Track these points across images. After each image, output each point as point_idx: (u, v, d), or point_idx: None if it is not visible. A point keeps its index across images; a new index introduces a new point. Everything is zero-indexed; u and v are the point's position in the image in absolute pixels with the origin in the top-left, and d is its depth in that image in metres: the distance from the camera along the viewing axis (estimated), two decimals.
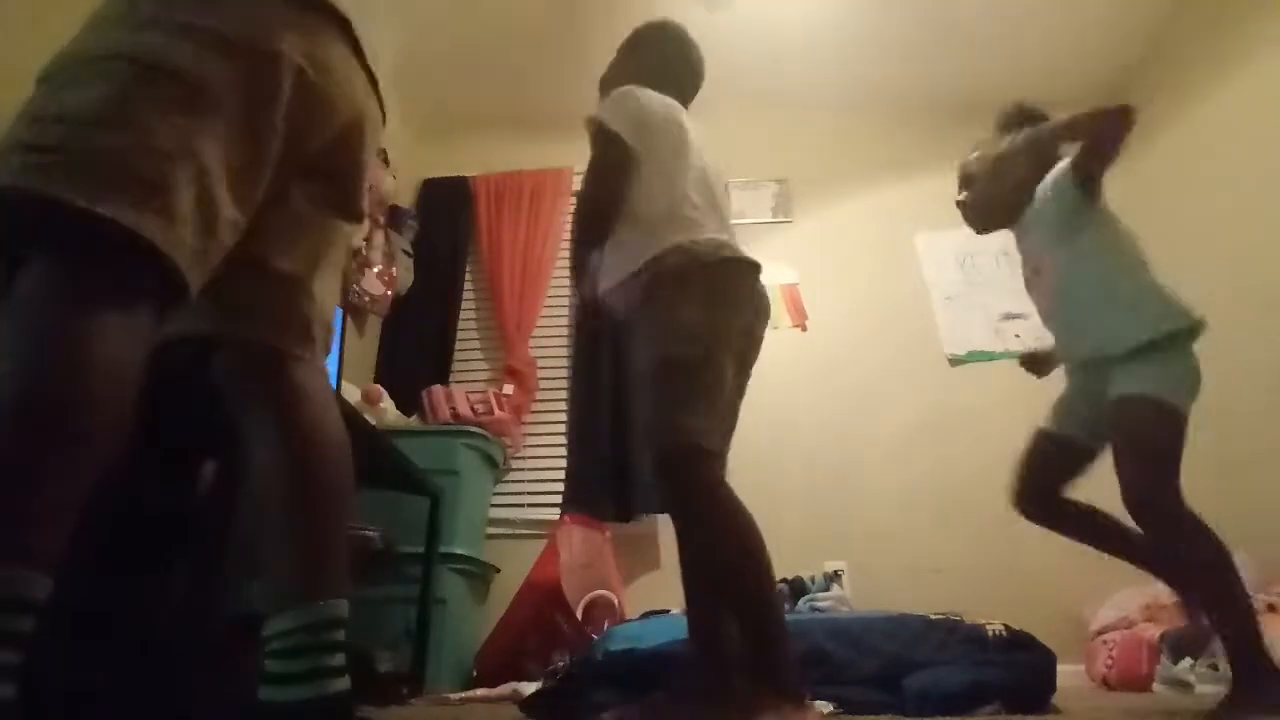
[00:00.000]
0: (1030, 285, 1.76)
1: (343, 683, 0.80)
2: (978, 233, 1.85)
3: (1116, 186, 3.73)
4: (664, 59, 1.55)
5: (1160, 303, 1.61)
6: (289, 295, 0.87)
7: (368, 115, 0.91)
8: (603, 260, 1.33)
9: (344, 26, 0.83)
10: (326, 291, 0.93)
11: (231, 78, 0.70)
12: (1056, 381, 3.26)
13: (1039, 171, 1.72)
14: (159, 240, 0.62)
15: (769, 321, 1.37)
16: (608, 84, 1.55)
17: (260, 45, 0.74)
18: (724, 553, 1.09)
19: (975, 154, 1.86)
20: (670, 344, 1.15)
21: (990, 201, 1.78)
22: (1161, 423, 1.48)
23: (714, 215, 1.34)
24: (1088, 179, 1.67)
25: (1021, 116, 1.85)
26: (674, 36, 1.57)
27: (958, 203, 1.85)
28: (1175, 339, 1.54)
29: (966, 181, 1.84)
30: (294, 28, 0.77)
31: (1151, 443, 1.48)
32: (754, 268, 1.30)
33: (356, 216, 0.96)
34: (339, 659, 0.80)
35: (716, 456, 1.13)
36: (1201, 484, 2.87)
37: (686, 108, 1.51)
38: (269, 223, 0.83)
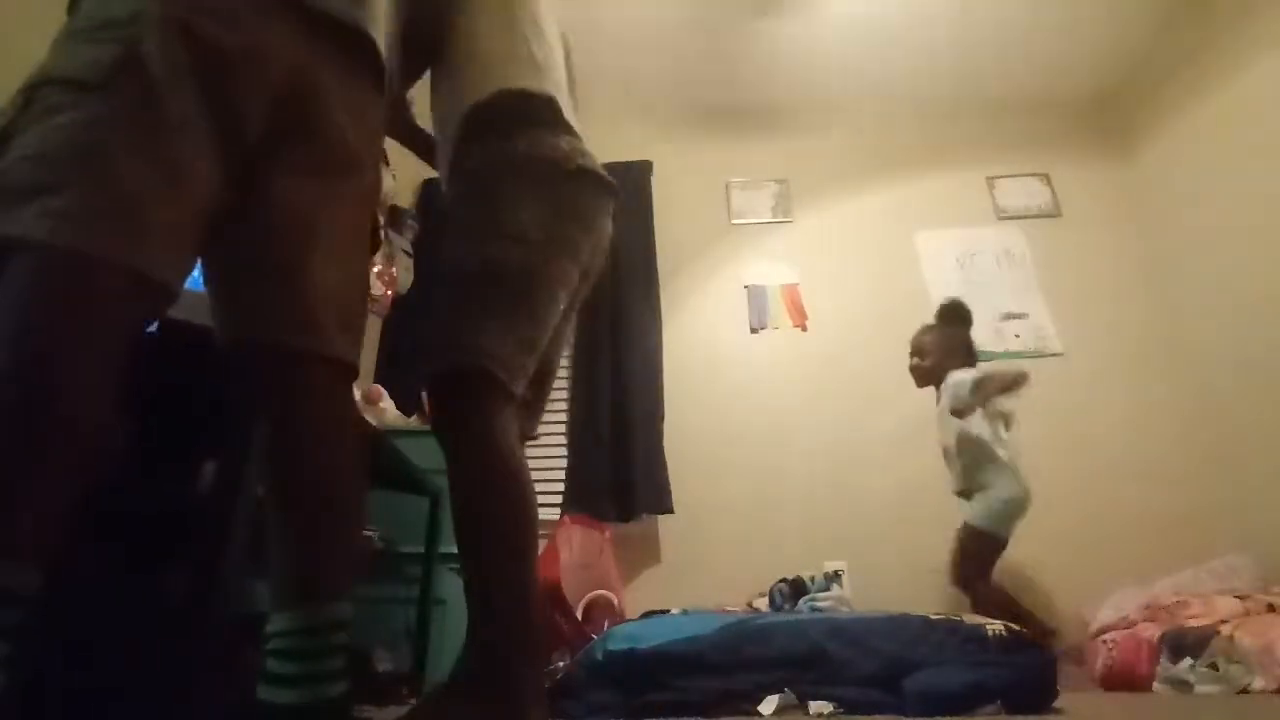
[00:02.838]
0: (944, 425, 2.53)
1: (340, 687, 0.79)
2: (919, 387, 2.65)
3: (1115, 187, 3.72)
4: None
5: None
6: (289, 287, 0.82)
7: (316, 57, 0.83)
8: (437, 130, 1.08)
9: None
10: (334, 268, 0.85)
11: (114, 59, 0.69)
12: (1057, 382, 3.25)
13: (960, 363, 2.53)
14: (55, 238, 0.62)
15: (604, 255, 1.10)
16: None
17: (138, 13, 0.72)
18: (490, 509, 0.87)
19: (927, 335, 2.62)
20: (493, 241, 0.90)
21: (934, 371, 2.57)
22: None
23: (562, 88, 1.05)
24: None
25: (955, 315, 2.62)
26: None
27: (911, 367, 2.63)
28: None
29: (919, 351, 2.62)
30: None
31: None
32: (611, 190, 1.03)
33: (347, 168, 0.86)
34: (338, 662, 0.80)
35: (509, 396, 0.89)
36: (1202, 484, 2.89)
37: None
38: (256, 213, 0.81)
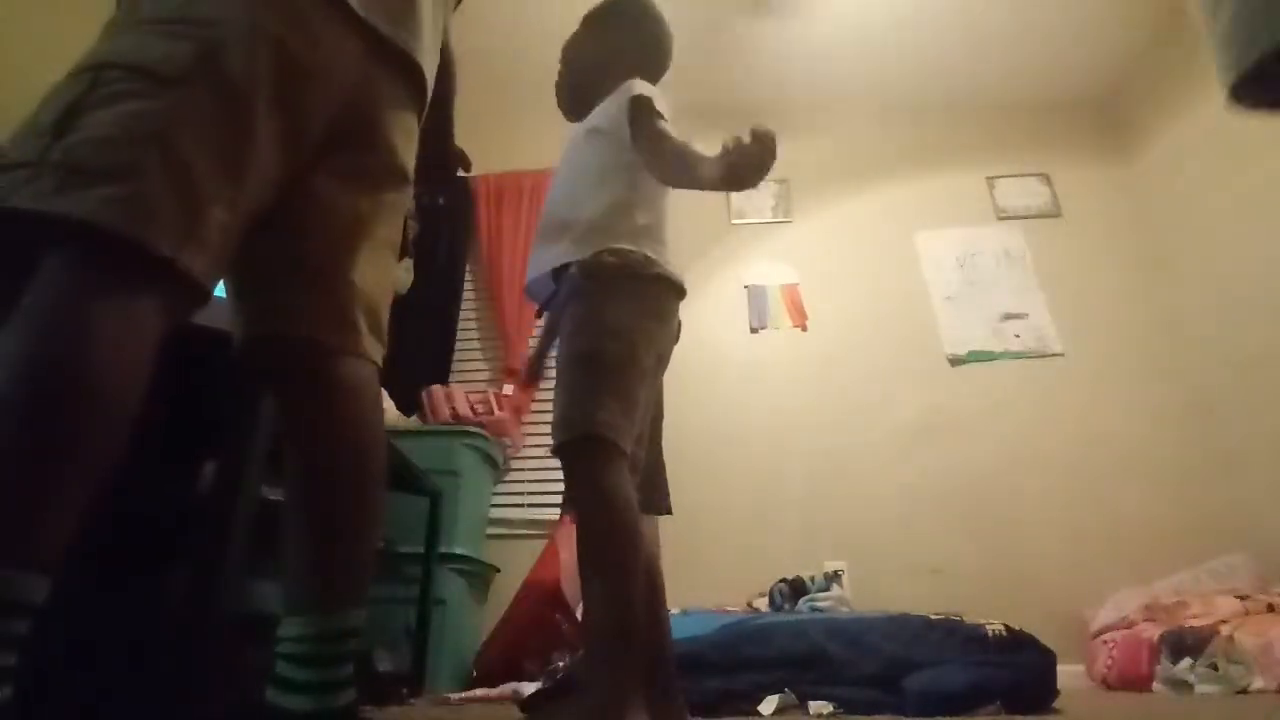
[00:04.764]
0: None
1: (349, 695, 0.79)
2: None
3: (1115, 187, 3.72)
4: (641, 35, 1.48)
5: None
6: (326, 286, 0.83)
7: (378, 77, 0.87)
8: (535, 249, 1.31)
9: None
10: (370, 274, 0.88)
11: (195, 56, 0.69)
12: (1057, 382, 3.25)
13: None
14: (119, 225, 0.61)
15: (673, 343, 1.37)
16: (576, 54, 1.49)
17: (225, 19, 0.72)
18: (606, 548, 1.05)
19: None
20: (597, 339, 1.14)
21: None
22: None
23: (659, 231, 1.32)
24: None
25: None
26: (649, 10, 1.50)
27: None
28: None
29: None
30: None
31: None
32: (679, 291, 1.29)
33: (393, 181, 0.91)
34: (348, 670, 0.80)
35: (624, 455, 1.10)
36: (1202, 484, 2.89)
37: (658, 81, 1.47)
38: (297, 213, 0.81)
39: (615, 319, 1.15)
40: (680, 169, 1.20)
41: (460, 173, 1.43)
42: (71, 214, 0.60)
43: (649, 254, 1.22)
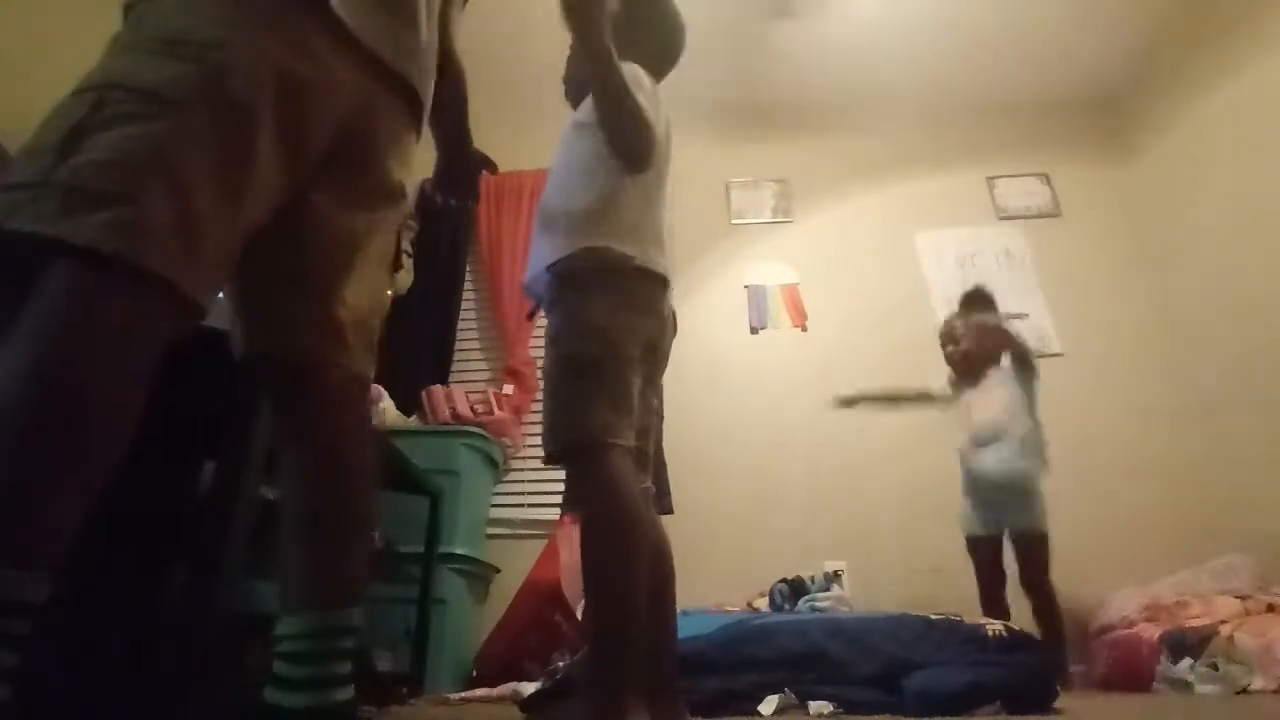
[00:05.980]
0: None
1: (346, 692, 0.80)
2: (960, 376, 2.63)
3: (1115, 187, 3.71)
4: (652, 22, 1.45)
5: None
6: (320, 300, 0.85)
7: (375, 97, 0.88)
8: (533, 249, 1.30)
9: (324, 11, 0.81)
10: (362, 290, 0.90)
11: (198, 79, 0.69)
12: (1057, 382, 3.24)
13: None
14: (120, 250, 0.62)
15: (674, 338, 1.36)
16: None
17: (228, 42, 0.72)
18: (608, 547, 1.04)
19: (958, 321, 2.61)
20: (573, 341, 1.13)
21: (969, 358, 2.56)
22: None
23: (649, 228, 1.30)
24: None
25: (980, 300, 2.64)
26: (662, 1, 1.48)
27: (946, 355, 2.62)
28: None
29: (950, 339, 2.62)
30: (269, 22, 0.76)
31: None
32: (663, 281, 1.27)
33: (388, 199, 0.93)
34: (345, 667, 0.81)
35: (624, 449, 1.09)
36: (1201, 484, 2.89)
37: (664, 76, 1.47)
38: (294, 229, 0.83)
39: (592, 318, 1.13)
40: (597, 96, 1.19)
41: (485, 174, 1.42)
42: (72, 239, 0.61)
43: (627, 251, 1.20)
